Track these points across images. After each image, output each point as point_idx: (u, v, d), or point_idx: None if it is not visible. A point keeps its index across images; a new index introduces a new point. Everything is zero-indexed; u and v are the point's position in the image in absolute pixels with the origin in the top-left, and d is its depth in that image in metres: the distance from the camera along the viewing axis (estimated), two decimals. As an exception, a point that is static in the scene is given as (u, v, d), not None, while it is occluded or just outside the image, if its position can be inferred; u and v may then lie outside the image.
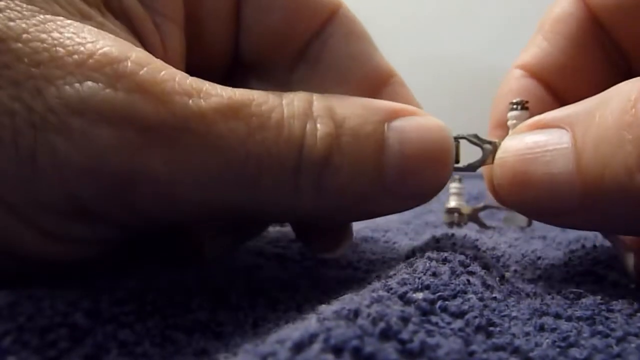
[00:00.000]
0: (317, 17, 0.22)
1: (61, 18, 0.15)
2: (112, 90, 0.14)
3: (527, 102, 0.22)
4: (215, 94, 0.15)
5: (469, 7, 0.90)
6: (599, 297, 0.17)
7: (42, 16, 0.15)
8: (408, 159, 0.17)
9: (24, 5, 0.15)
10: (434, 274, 0.16)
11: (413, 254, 0.20)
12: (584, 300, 0.17)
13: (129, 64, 0.15)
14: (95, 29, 0.15)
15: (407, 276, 0.16)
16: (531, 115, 0.20)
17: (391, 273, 0.17)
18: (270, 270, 0.21)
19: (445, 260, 0.17)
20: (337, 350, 0.11)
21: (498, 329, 0.15)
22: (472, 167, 0.21)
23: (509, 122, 0.22)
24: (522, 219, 0.30)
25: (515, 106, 0.22)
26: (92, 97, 0.14)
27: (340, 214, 0.18)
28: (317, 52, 0.23)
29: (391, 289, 0.15)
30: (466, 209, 0.31)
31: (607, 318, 0.16)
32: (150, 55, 0.16)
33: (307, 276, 0.20)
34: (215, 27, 0.22)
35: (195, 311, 0.16)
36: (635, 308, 0.16)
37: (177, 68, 0.19)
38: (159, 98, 0.14)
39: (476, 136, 0.20)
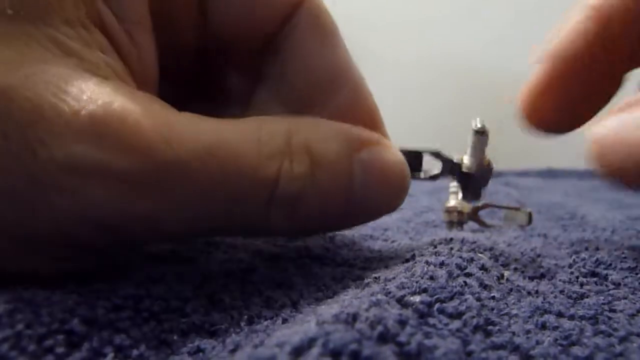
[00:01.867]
0: (280, 7, 0.22)
1: (44, 68, 0.16)
2: (98, 151, 0.15)
3: (486, 127, 0.24)
4: (192, 139, 0.17)
5: (470, 7, 0.90)
6: (602, 297, 0.17)
7: (26, 68, 0.16)
8: (371, 187, 0.19)
9: (6, 53, 0.16)
10: (431, 278, 0.16)
11: (412, 257, 0.20)
12: (586, 300, 0.17)
13: (112, 123, 0.16)
14: (78, 75, 0.16)
15: (405, 280, 0.16)
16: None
17: (390, 276, 0.17)
18: (265, 268, 0.21)
19: (442, 264, 0.18)
20: (336, 354, 0.11)
21: (497, 327, 0.15)
22: (433, 178, 0.24)
23: (469, 149, 0.25)
24: (522, 218, 0.30)
25: (477, 132, 0.24)
26: (80, 158, 0.15)
27: (307, 233, 0.22)
28: (280, 44, 0.23)
29: (389, 292, 0.15)
30: (466, 208, 0.31)
31: (609, 318, 0.16)
32: (131, 96, 0.17)
33: (303, 274, 0.21)
34: (181, 18, 0.22)
35: (191, 315, 0.16)
36: (638, 308, 0.16)
37: (151, 71, 0.20)
38: (139, 151, 0.16)
39: (438, 153, 0.24)
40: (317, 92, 0.22)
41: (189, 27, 0.22)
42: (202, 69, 0.24)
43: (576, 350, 0.14)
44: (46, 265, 0.17)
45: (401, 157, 0.20)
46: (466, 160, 0.25)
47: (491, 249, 0.22)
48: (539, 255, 0.23)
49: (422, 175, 0.24)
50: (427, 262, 0.18)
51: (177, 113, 0.17)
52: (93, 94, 0.16)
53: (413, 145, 0.24)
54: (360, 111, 0.22)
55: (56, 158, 0.15)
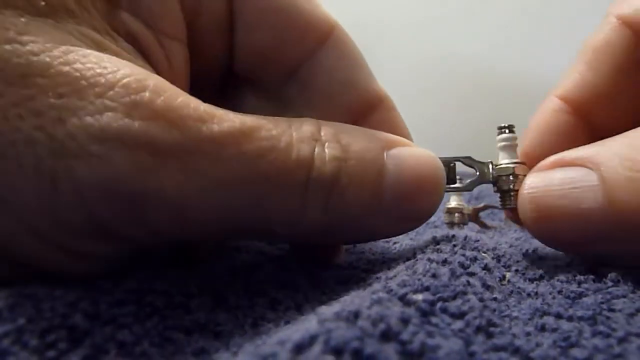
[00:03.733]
0: (309, 38, 0.23)
1: (80, 48, 0.16)
2: (130, 119, 0.15)
3: (513, 125, 0.24)
4: (228, 119, 0.16)
5: (473, 8, 0.90)
6: (600, 295, 0.17)
7: (63, 47, 0.16)
8: (405, 184, 0.19)
9: (45, 37, 0.16)
10: (434, 275, 0.16)
11: (413, 255, 0.20)
12: (585, 299, 0.17)
13: (147, 93, 0.16)
14: (114, 58, 0.16)
15: (407, 278, 0.16)
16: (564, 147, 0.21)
17: (391, 275, 0.17)
18: (269, 271, 0.21)
19: (445, 262, 0.18)
20: (338, 351, 0.11)
21: (499, 329, 0.15)
22: (469, 187, 0.23)
23: (499, 144, 0.24)
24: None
25: (503, 130, 0.24)
26: (111, 125, 0.15)
27: (340, 234, 0.20)
28: (308, 73, 0.24)
29: (391, 290, 0.15)
30: (467, 209, 0.31)
31: (608, 318, 0.16)
32: (167, 82, 0.16)
33: (307, 276, 0.20)
34: (210, 42, 0.22)
35: (195, 312, 0.16)
36: (637, 307, 0.16)
37: (182, 84, 0.20)
38: (173, 123, 0.15)
39: (470, 158, 0.23)
40: (347, 116, 0.22)
41: (216, 49, 0.23)
42: (223, 88, 0.24)
43: (575, 352, 0.14)
44: (67, 260, 0.16)
45: (435, 157, 0.20)
46: (505, 160, 0.23)
47: (494, 249, 0.22)
48: (539, 257, 0.23)
49: (458, 185, 0.23)
50: (429, 260, 0.18)
51: (209, 104, 0.17)
52: (128, 70, 0.16)
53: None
54: (392, 132, 0.22)
55: (85, 124, 0.15)
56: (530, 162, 0.22)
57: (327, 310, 0.13)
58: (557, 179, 0.19)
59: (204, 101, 0.17)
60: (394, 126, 0.24)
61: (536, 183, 0.20)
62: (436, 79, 0.89)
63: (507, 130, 0.24)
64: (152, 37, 0.19)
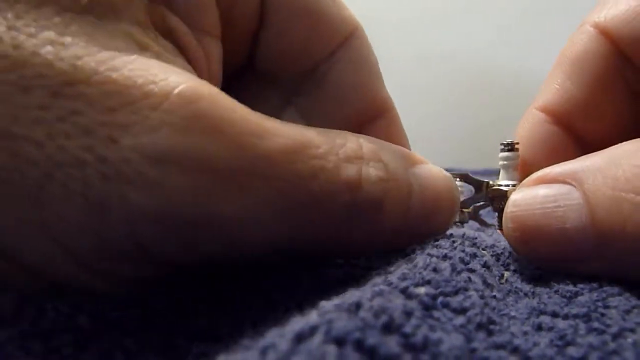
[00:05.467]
0: (333, 38, 0.23)
1: (125, 52, 0.15)
2: (188, 136, 0.14)
3: (517, 143, 0.24)
4: (280, 134, 0.15)
5: (471, 4, 0.90)
6: (596, 294, 0.18)
7: (107, 52, 0.14)
8: (426, 204, 0.19)
9: (87, 38, 0.14)
10: (435, 270, 0.16)
11: (412, 251, 0.20)
12: (580, 298, 0.17)
13: (203, 104, 0.14)
14: (160, 63, 0.15)
15: (407, 271, 0.16)
16: (555, 159, 0.21)
17: (391, 269, 0.17)
18: (270, 271, 0.21)
19: (445, 257, 0.18)
20: (339, 341, 0.11)
21: (498, 327, 0.15)
22: (467, 203, 0.24)
23: (500, 163, 0.24)
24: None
25: (505, 147, 0.24)
26: (168, 144, 0.14)
27: (370, 250, 0.20)
28: (324, 72, 0.24)
29: (392, 283, 0.15)
30: (467, 207, 0.31)
31: (602, 315, 0.16)
32: (216, 88, 0.15)
33: (307, 275, 0.20)
34: (239, 37, 0.22)
35: (196, 315, 0.16)
36: (632, 304, 0.16)
37: (217, 83, 0.19)
38: (231, 140, 0.14)
39: (467, 175, 0.23)
40: (353, 120, 0.23)
41: (242, 44, 0.23)
42: (237, 77, 0.24)
43: (571, 350, 0.14)
44: (102, 283, 0.15)
45: (450, 176, 0.20)
46: (504, 181, 0.24)
47: (492, 246, 0.22)
48: None
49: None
50: (429, 255, 0.18)
51: (258, 113, 0.16)
52: (180, 78, 0.14)
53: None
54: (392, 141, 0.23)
55: (141, 145, 0.13)
56: (520, 177, 0.23)
57: (327, 303, 0.13)
58: (540, 197, 0.19)
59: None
60: (396, 137, 0.24)
61: (519, 201, 0.20)
62: (434, 76, 0.89)
63: (508, 148, 0.24)
64: (189, 33, 0.18)
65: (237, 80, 0.24)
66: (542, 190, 0.19)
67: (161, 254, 0.15)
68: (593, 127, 0.25)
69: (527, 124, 0.25)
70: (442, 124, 0.85)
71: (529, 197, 0.19)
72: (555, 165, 0.20)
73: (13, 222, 0.13)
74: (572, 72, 0.24)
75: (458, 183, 0.23)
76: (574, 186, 0.18)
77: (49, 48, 0.14)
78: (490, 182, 0.24)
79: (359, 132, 0.22)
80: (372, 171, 0.17)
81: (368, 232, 0.17)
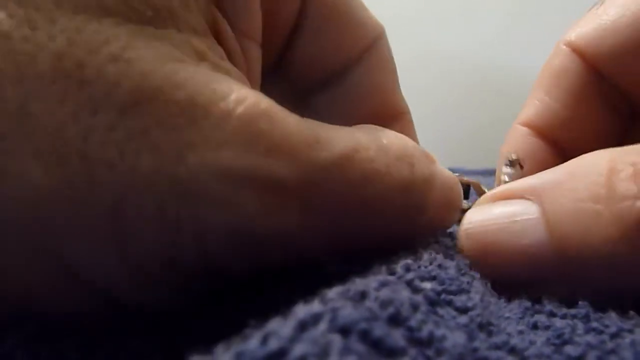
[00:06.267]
0: (361, 44, 0.23)
1: (185, 66, 0.14)
2: (251, 154, 0.14)
3: (523, 160, 0.24)
4: (331, 141, 0.15)
5: (470, 4, 0.90)
6: (593, 304, 0.17)
7: (170, 65, 0.14)
8: (446, 199, 0.19)
9: (151, 53, 0.14)
10: (440, 266, 0.16)
11: (413, 246, 0.20)
12: (580, 303, 0.17)
13: (264, 121, 0.14)
14: (218, 75, 0.15)
15: (410, 262, 0.16)
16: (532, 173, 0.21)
17: (394, 261, 0.17)
18: (270, 271, 0.21)
19: (450, 256, 0.18)
20: (344, 331, 0.10)
21: (496, 328, 0.15)
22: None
23: (502, 178, 0.24)
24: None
25: (510, 163, 0.24)
26: (234, 163, 0.14)
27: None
28: (344, 74, 0.24)
29: (395, 273, 0.15)
30: (466, 206, 0.32)
31: (601, 317, 0.16)
32: (270, 100, 0.15)
33: (308, 275, 0.20)
34: (275, 41, 0.22)
35: (198, 316, 0.16)
36: (629, 306, 0.16)
37: (256, 86, 0.19)
38: (291, 155, 0.14)
39: (477, 184, 0.23)
40: (368, 121, 0.23)
41: (278, 48, 0.23)
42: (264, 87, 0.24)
43: (569, 349, 0.14)
44: (161, 297, 0.15)
45: (456, 178, 0.20)
46: None
47: None
48: None
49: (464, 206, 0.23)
50: (433, 250, 0.18)
51: (303, 118, 0.16)
52: (239, 95, 0.14)
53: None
54: None
55: (207, 163, 0.13)
56: None
57: (330, 290, 0.13)
58: (496, 213, 0.18)
59: None
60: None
61: (474, 218, 0.19)
62: (432, 77, 0.90)
63: (510, 164, 0.24)
64: (233, 37, 0.18)
65: (265, 81, 0.24)
66: (499, 208, 0.18)
67: (227, 268, 0.15)
68: (575, 141, 0.25)
69: (511, 139, 0.26)
70: (441, 124, 0.85)
71: (484, 214, 0.19)
72: (512, 182, 0.20)
73: (88, 244, 0.13)
74: (550, 89, 0.25)
75: None
76: (533, 201, 0.18)
77: (113, 66, 0.13)
78: (482, 187, 0.24)
79: None
80: (420, 170, 0.17)
81: (410, 231, 0.17)
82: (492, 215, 0.18)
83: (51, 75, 0.13)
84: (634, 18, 0.23)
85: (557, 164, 0.20)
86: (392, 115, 0.25)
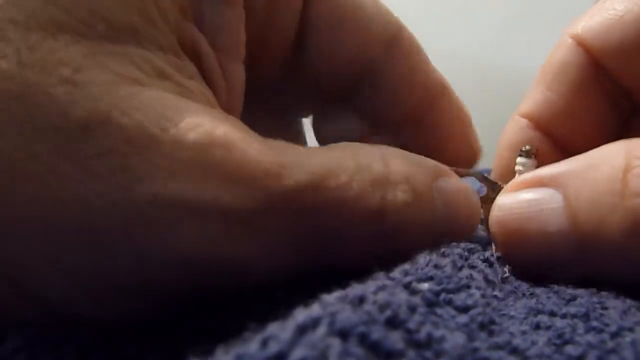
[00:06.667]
0: (379, 45, 0.23)
1: (141, 89, 0.14)
2: (200, 184, 0.14)
3: (536, 149, 0.24)
4: (296, 169, 0.15)
5: (470, 4, 0.90)
6: (595, 298, 0.17)
7: (122, 89, 0.14)
8: (448, 224, 0.19)
9: (103, 77, 0.14)
10: (436, 266, 0.16)
11: None
12: (579, 300, 0.17)
13: (216, 152, 0.14)
14: (176, 99, 0.15)
15: (408, 267, 0.16)
16: (539, 165, 0.21)
17: (391, 265, 0.17)
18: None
19: (443, 254, 0.18)
20: (343, 334, 0.10)
21: (498, 327, 0.15)
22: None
23: (516, 167, 0.24)
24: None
25: (524, 154, 0.24)
26: (180, 193, 0.13)
27: None
28: (378, 70, 0.24)
29: (394, 278, 0.15)
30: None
31: (601, 315, 0.16)
32: (234, 126, 0.15)
33: (308, 273, 0.20)
34: (276, 51, 0.22)
35: (197, 316, 0.16)
36: (630, 304, 0.16)
37: (237, 107, 0.19)
38: (245, 185, 0.14)
39: (482, 174, 0.23)
40: (414, 109, 0.23)
41: (278, 61, 0.23)
42: (280, 85, 0.24)
43: (569, 349, 0.14)
44: (106, 312, 0.15)
45: (474, 191, 0.20)
46: None
47: (491, 243, 0.22)
48: None
49: None
50: (428, 251, 0.17)
51: (273, 142, 0.16)
52: (194, 121, 0.14)
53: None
54: (456, 119, 0.24)
55: (152, 193, 0.13)
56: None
57: (329, 295, 0.13)
58: (524, 201, 0.19)
59: (257, 106, 0.16)
60: (457, 112, 0.25)
61: (503, 205, 0.20)
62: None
63: (525, 155, 0.24)
64: (212, 55, 0.18)
65: (281, 89, 0.24)
66: (526, 195, 0.19)
67: (169, 290, 0.15)
68: (574, 134, 0.25)
69: (509, 130, 0.26)
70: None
71: (512, 201, 0.20)
72: (539, 169, 0.20)
73: (28, 256, 0.14)
74: (552, 81, 0.25)
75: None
76: (557, 190, 0.19)
77: (63, 89, 0.13)
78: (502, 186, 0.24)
79: (421, 121, 0.23)
80: (398, 195, 0.17)
81: (389, 254, 0.17)
82: (520, 203, 0.19)
83: None
84: None
85: (556, 156, 0.21)
86: (434, 94, 0.25)
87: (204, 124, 0.14)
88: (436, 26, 0.91)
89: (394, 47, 0.24)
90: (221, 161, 0.14)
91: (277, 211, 0.15)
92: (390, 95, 0.24)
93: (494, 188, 0.23)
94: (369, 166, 0.17)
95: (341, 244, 0.16)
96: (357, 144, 0.18)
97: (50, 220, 0.13)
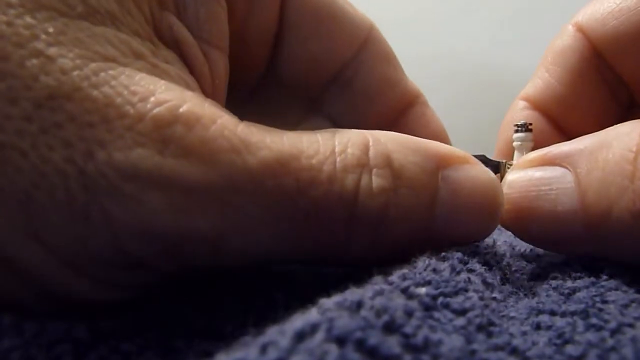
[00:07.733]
0: (354, 42, 0.24)
1: (113, 65, 0.15)
2: (161, 157, 0.14)
3: (530, 124, 0.24)
4: (264, 146, 0.15)
5: (469, 4, 0.90)
6: (594, 290, 0.17)
7: (94, 64, 0.15)
8: (458, 212, 0.18)
9: (76, 51, 0.15)
10: (434, 270, 0.16)
11: None
12: (578, 294, 0.17)
13: (178, 127, 0.14)
14: (147, 77, 0.15)
15: (407, 271, 0.16)
16: (535, 142, 0.22)
17: (391, 269, 0.17)
18: (269, 270, 0.21)
19: (443, 258, 0.17)
20: (340, 340, 0.11)
21: (497, 328, 0.15)
22: None
23: (514, 144, 0.24)
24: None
25: (519, 128, 0.24)
26: (141, 163, 0.14)
27: (383, 259, 0.18)
28: (349, 74, 0.24)
29: (392, 283, 0.15)
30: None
31: (601, 310, 0.16)
32: (202, 102, 0.15)
33: (307, 274, 0.20)
34: (256, 50, 0.23)
35: (195, 316, 0.16)
36: (631, 299, 0.16)
37: (221, 95, 0.20)
38: (206, 159, 0.14)
39: (484, 156, 0.22)
40: (386, 115, 0.23)
41: (260, 56, 0.23)
42: (259, 88, 0.25)
43: (570, 349, 0.14)
44: (95, 289, 0.16)
45: (495, 178, 0.19)
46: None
47: (492, 245, 0.22)
48: (537, 255, 0.23)
49: None
50: (428, 255, 0.17)
51: (246, 123, 0.16)
52: (160, 97, 0.15)
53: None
54: (428, 128, 0.23)
55: (115, 161, 0.14)
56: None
57: (327, 300, 0.13)
58: (535, 179, 0.19)
59: (239, 105, 0.16)
60: (430, 121, 0.25)
61: (514, 183, 0.20)
62: (432, 76, 0.89)
63: (522, 129, 0.24)
64: (195, 45, 0.18)
65: (260, 90, 0.24)
66: (537, 173, 0.19)
67: (149, 263, 0.15)
68: (573, 119, 0.25)
69: (513, 110, 0.26)
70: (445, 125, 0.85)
71: (523, 178, 0.20)
72: (550, 147, 0.20)
73: (7, 228, 0.14)
74: (552, 67, 0.25)
75: None
76: (568, 169, 0.19)
77: (35, 61, 0.14)
78: (508, 163, 0.24)
79: (393, 127, 0.22)
80: (374, 180, 0.16)
81: (370, 244, 0.17)
82: (531, 182, 0.19)
83: None
84: (638, 4, 0.23)
85: (553, 137, 0.22)
86: (407, 102, 0.25)
87: (170, 100, 0.15)
88: (437, 27, 0.91)
89: (366, 51, 0.24)
90: (182, 136, 0.14)
91: (242, 187, 0.15)
92: (361, 101, 0.24)
93: (498, 169, 0.23)
94: (344, 150, 0.16)
95: (318, 227, 0.16)
96: (344, 129, 0.18)
97: (28, 188, 0.14)
